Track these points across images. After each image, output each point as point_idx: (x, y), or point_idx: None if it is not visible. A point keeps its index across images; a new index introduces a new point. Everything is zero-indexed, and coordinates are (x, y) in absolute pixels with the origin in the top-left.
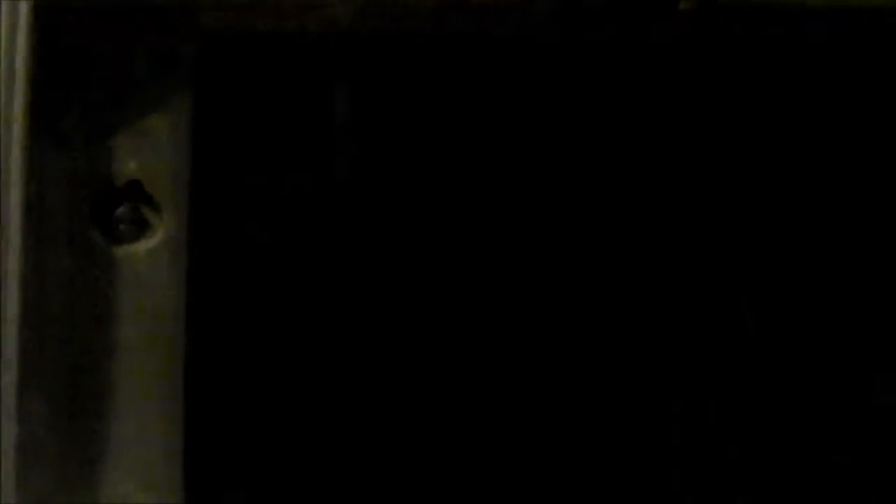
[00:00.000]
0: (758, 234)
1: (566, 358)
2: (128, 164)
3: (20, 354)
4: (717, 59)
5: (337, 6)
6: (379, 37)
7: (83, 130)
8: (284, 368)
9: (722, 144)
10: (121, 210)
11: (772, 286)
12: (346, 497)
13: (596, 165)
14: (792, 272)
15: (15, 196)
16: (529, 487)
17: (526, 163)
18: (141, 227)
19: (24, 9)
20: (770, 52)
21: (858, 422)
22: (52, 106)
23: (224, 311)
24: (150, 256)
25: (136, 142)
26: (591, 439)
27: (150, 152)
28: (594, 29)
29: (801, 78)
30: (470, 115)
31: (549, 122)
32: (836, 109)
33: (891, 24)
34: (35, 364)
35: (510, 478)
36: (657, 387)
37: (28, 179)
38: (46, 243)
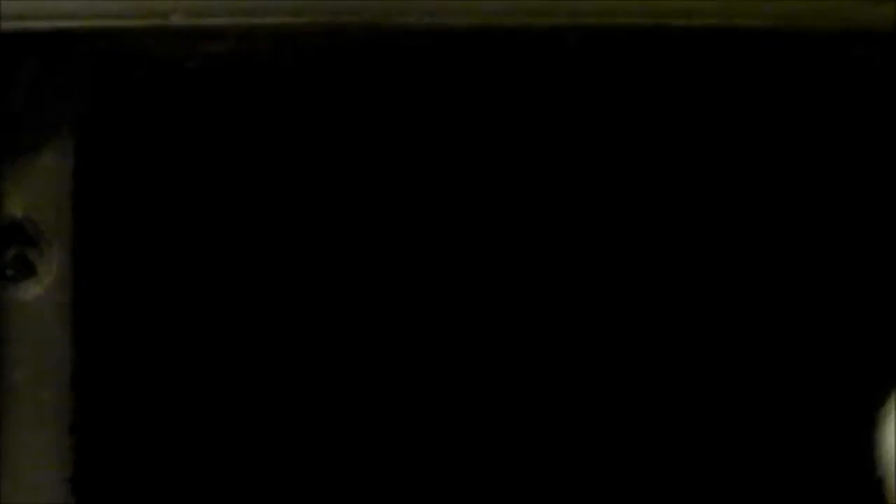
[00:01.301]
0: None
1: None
2: (13, 204)
3: None
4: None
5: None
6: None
7: None
8: (186, 398)
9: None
10: (6, 254)
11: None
12: None
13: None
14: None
15: None
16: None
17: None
18: (27, 269)
19: None
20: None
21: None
22: None
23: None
24: (36, 299)
25: (20, 181)
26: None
27: (34, 192)
28: None
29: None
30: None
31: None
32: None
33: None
34: None
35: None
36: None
37: None
38: None
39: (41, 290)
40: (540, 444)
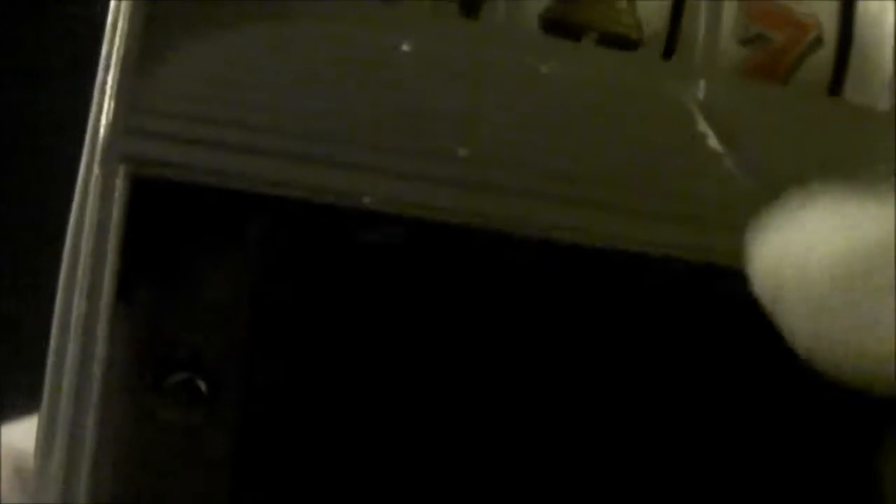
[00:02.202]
0: None
1: None
2: (190, 336)
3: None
4: None
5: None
6: None
7: (151, 300)
8: None
9: None
10: (176, 379)
11: None
12: None
13: None
14: None
15: (100, 353)
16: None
17: None
18: (194, 397)
19: (120, 178)
20: None
21: None
22: (128, 275)
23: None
24: (199, 425)
25: (199, 316)
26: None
27: (211, 327)
28: None
29: None
30: None
31: None
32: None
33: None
34: None
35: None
36: None
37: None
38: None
39: (203, 418)
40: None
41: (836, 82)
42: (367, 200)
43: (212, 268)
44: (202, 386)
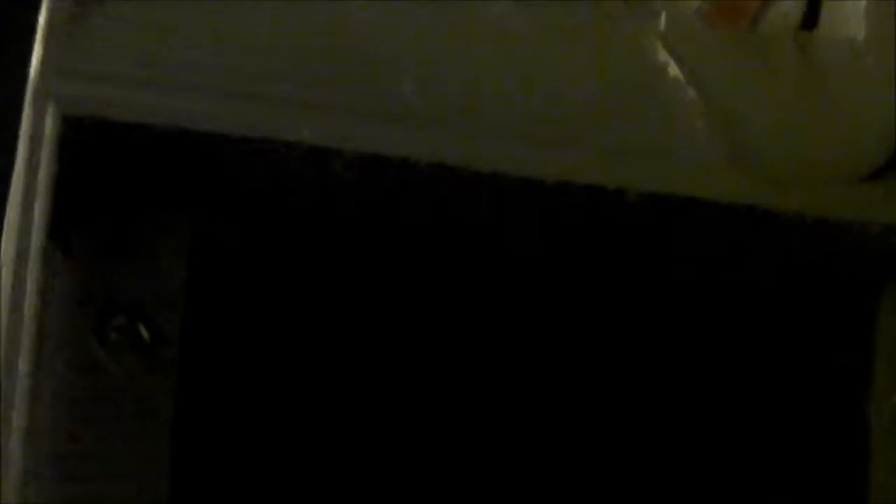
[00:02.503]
0: None
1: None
2: (129, 285)
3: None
4: None
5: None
6: None
7: (90, 249)
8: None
9: None
10: (118, 325)
11: None
12: None
13: None
14: None
15: (31, 297)
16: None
17: None
18: (136, 342)
19: (50, 118)
20: None
21: None
22: (62, 221)
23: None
24: (141, 369)
25: (138, 265)
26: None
27: (150, 276)
28: None
29: None
30: None
31: None
32: None
33: None
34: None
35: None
36: None
37: (42, 288)
38: (48, 347)
39: (146, 361)
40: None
41: (811, 15)
42: (305, 135)
43: (149, 211)
44: (143, 332)
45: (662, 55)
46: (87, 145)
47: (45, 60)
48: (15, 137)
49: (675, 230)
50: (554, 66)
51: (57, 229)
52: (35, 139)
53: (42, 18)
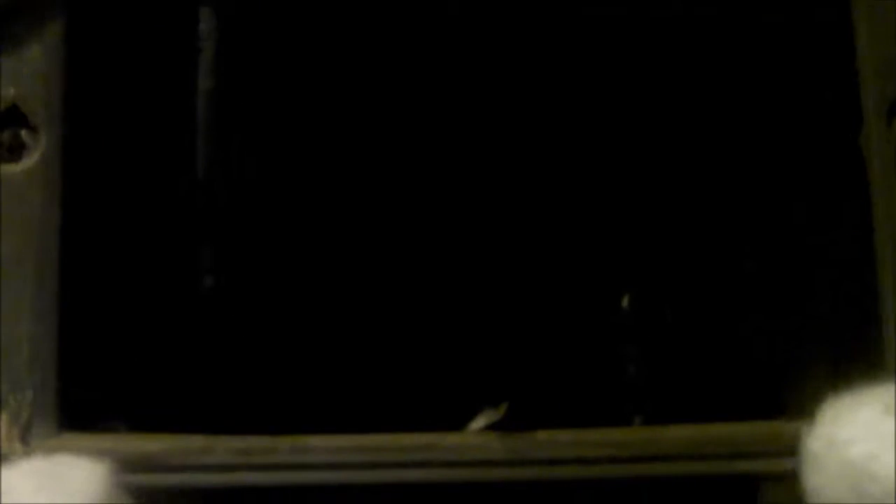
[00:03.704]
0: None
1: None
2: (6, 90)
3: None
4: None
5: None
6: None
7: None
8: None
9: None
10: (3, 134)
11: None
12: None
13: None
14: None
15: None
16: None
17: None
18: (19, 150)
19: None
20: None
21: None
22: None
23: (101, 225)
24: (26, 176)
25: (13, 68)
26: None
27: (27, 78)
28: None
29: None
30: None
31: None
32: None
33: None
34: None
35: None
36: None
37: None
38: None
39: (30, 167)
40: None
41: None
42: None
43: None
44: (26, 138)
45: None
46: None
47: None
48: None
49: None
50: None
51: None
52: None
53: None
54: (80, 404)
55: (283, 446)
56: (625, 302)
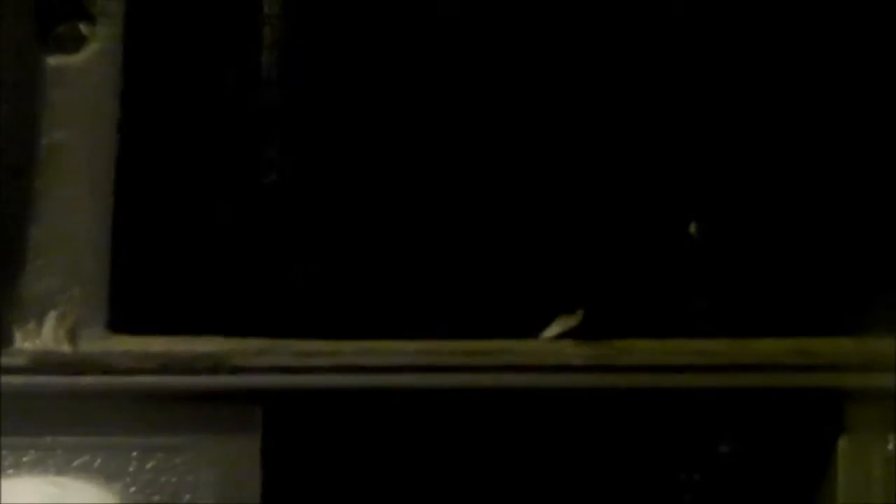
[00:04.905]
0: None
1: None
2: None
3: None
4: None
5: None
6: None
7: None
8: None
9: None
10: (63, 26)
11: None
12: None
13: None
14: None
15: None
16: None
17: None
18: (78, 41)
19: None
20: None
21: None
22: None
23: (157, 122)
24: (86, 65)
25: None
26: None
27: None
28: None
29: None
30: None
31: None
32: None
33: None
34: None
35: None
36: None
37: None
38: None
39: (89, 57)
40: None
41: None
42: None
43: None
44: (84, 30)
45: None
46: None
47: None
48: None
49: None
50: None
51: None
52: None
53: None
54: (131, 306)
55: (347, 349)
56: (692, 229)
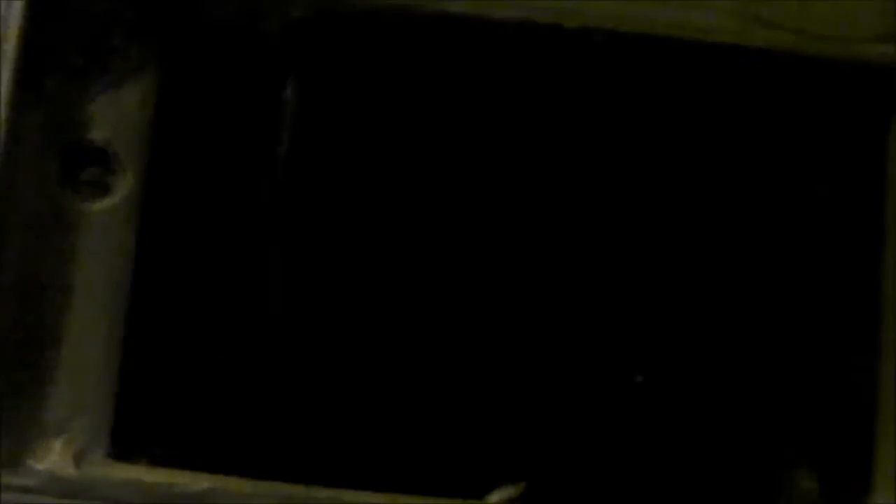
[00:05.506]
0: None
1: None
2: (98, 129)
3: None
4: None
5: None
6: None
7: (62, 93)
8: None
9: None
10: (87, 171)
11: None
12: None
13: None
14: None
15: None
16: None
17: None
18: (103, 187)
19: None
20: None
21: None
22: (34, 66)
23: (173, 264)
24: (109, 213)
25: (107, 109)
26: None
27: (119, 120)
28: None
29: None
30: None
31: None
32: None
33: None
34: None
35: None
36: None
37: (10, 130)
38: (18, 191)
39: (113, 205)
40: None
41: None
42: None
43: (120, 59)
44: (110, 181)
45: None
46: None
47: None
48: None
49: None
50: None
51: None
52: None
53: None
54: (128, 433)
55: (322, 497)
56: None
